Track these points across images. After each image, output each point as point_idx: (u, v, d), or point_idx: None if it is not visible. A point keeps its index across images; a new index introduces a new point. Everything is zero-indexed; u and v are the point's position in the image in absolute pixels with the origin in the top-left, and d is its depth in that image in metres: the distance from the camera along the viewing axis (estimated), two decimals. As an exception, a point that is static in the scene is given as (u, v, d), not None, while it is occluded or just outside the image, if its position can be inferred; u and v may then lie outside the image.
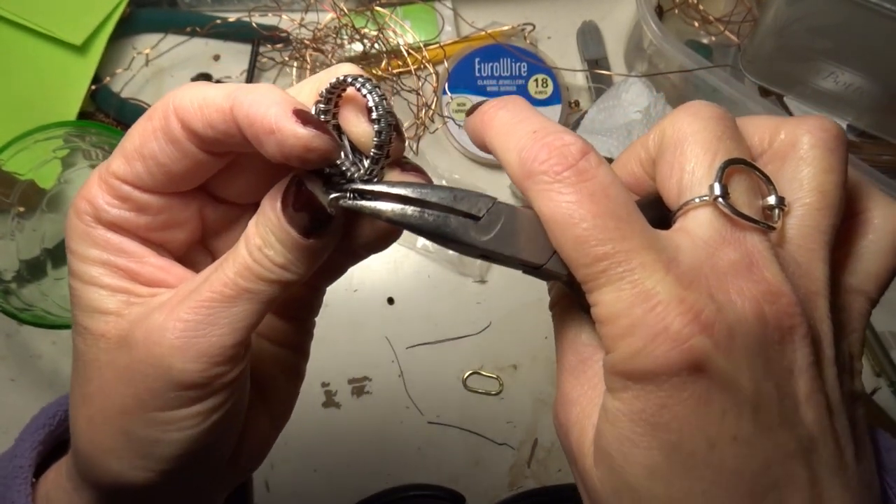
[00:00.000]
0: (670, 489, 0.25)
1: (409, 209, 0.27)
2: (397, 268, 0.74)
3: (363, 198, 0.27)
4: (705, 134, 0.27)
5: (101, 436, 0.29)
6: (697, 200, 0.27)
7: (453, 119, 0.74)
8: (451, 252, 0.72)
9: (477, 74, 0.75)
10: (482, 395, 0.71)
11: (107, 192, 0.28)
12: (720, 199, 0.26)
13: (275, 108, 0.25)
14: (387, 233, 0.30)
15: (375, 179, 0.28)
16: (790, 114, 0.70)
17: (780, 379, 0.26)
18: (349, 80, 0.27)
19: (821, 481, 0.26)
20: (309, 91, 0.29)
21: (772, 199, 0.27)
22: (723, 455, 0.25)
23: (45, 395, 0.69)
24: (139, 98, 0.74)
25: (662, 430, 0.25)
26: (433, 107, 0.75)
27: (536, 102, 0.74)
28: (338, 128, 0.28)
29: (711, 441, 0.25)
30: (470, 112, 0.30)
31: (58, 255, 0.66)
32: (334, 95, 0.28)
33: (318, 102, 0.28)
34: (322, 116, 0.28)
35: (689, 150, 0.27)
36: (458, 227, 0.27)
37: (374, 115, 0.27)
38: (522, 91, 0.75)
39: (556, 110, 0.74)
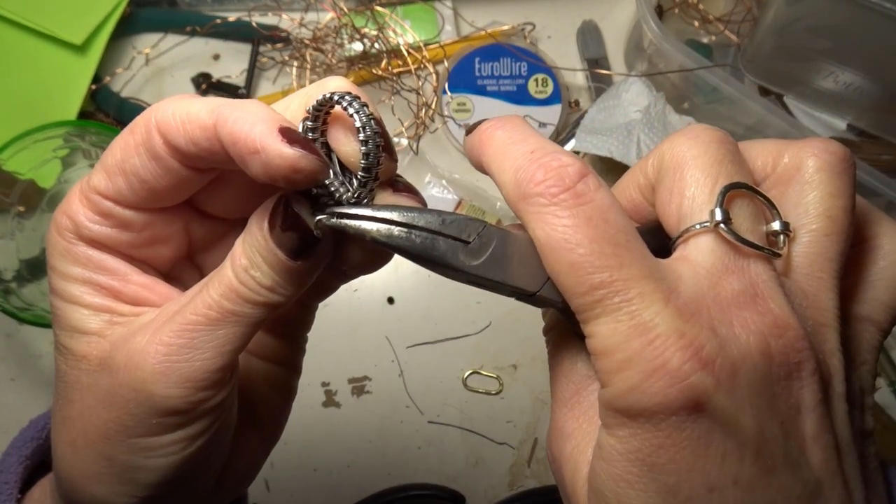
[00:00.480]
0: None
1: (396, 230, 0.26)
2: (397, 268, 0.74)
3: (349, 219, 0.26)
4: (705, 158, 0.26)
5: (83, 460, 0.28)
6: (698, 227, 0.25)
7: (453, 119, 0.74)
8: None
9: (477, 74, 0.75)
10: (482, 395, 0.71)
11: (88, 208, 0.27)
12: (722, 225, 0.25)
13: (259, 125, 0.24)
14: (377, 255, 0.29)
15: (365, 201, 0.27)
16: (790, 114, 0.70)
17: (786, 418, 0.24)
18: (336, 97, 0.26)
19: None
20: (297, 106, 0.27)
21: (776, 225, 0.26)
22: (723, 499, 0.24)
23: (44, 395, 0.69)
24: (139, 98, 0.74)
25: (659, 471, 0.24)
26: (433, 106, 0.75)
27: (536, 102, 0.75)
28: (326, 145, 0.27)
29: (711, 485, 0.24)
30: (469, 131, 0.29)
31: (58, 254, 0.66)
32: (322, 112, 0.27)
33: (305, 119, 0.27)
34: (310, 134, 0.27)
35: (689, 174, 0.26)
36: (447, 250, 0.26)
37: (361, 136, 0.26)
38: (522, 91, 0.75)
39: (556, 110, 0.74)
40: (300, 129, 0.26)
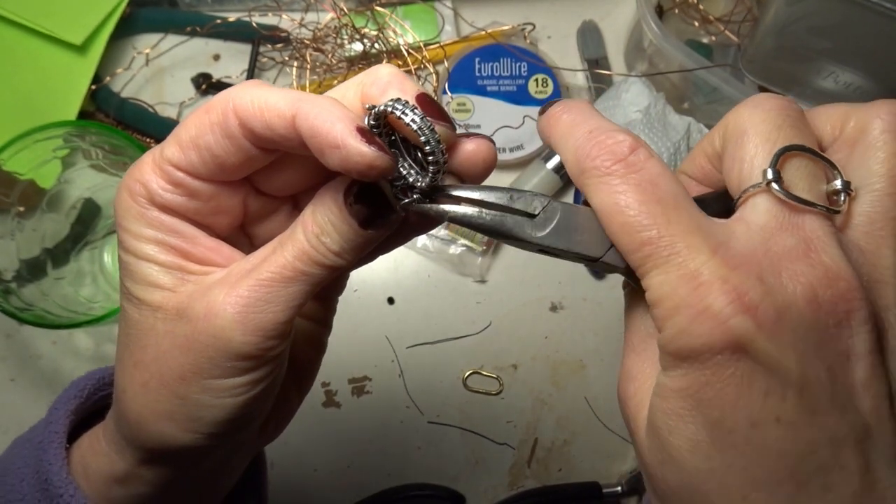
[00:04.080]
0: (711, 463, 0.26)
1: (470, 210, 0.29)
2: (397, 268, 0.74)
3: (428, 201, 0.30)
4: (765, 125, 0.28)
5: (156, 400, 0.31)
6: (753, 188, 0.27)
7: (454, 119, 0.74)
8: (451, 251, 0.72)
9: (477, 74, 0.75)
10: (482, 395, 0.71)
11: (160, 177, 0.30)
12: (773, 185, 0.26)
13: (339, 124, 0.26)
14: (430, 222, 0.32)
15: (438, 181, 0.30)
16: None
17: (834, 363, 0.25)
18: (388, 109, 0.28)
19: (874, 470, 0.26)
20: (353, 96, 0.30)
21: (837, 184, 0.27)
22: (765, 435, 0.25)
23: (45, 395, 0.69)
24: (139, 98, 0.74)
25: (706, 406, 0.25)
26: (433, 107, 0.74)
27: (537, 102, 0.74)
28: (391, 132, 0.30)
29: (753, 420, 0.25)
30: (541, 112, 0.32)
31: (58, 254, 0.66)
32: (381, 119, 0.29)
33: (368, 118, 0.29)
34: (374, 130, 0.29)
35: (749, 141, 0.28)
36: (515, 225, 0.29)
37: (422, 139, 0.28)
38: (522, 91, 0.75)
39: (556, 110, 0.74)
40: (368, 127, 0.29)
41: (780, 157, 0.27)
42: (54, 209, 0.66)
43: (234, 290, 0.29)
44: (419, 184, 0.29)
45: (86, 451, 0.36)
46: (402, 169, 0.30)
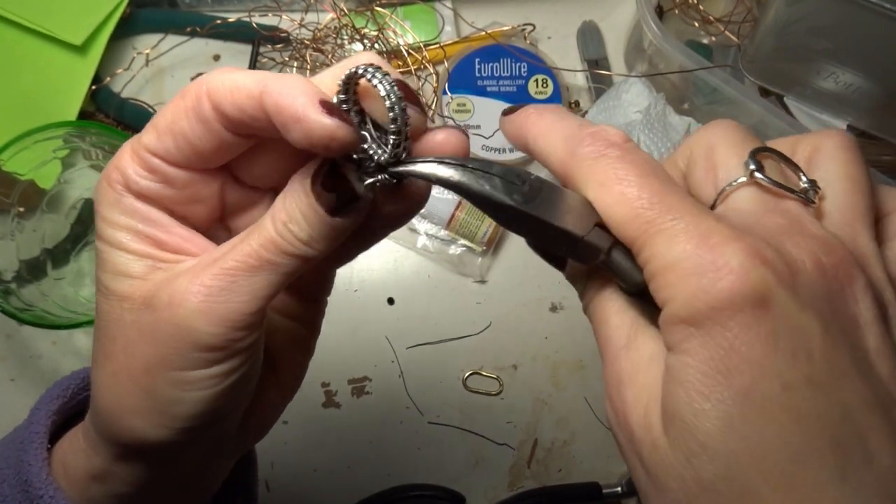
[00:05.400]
0: (748, 442, 0.23)
1: (453, 171, 0.28)
2: (397, 268, 0.74)
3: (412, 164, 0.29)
4: (732, 138, 0.29)
5: (124, 393, 0.30)
6: (734, 183, 0.28)
7: (453, 119, 0.74)
8: (451, 251, 0.72)
9: (477, 75, 0.75)
10: (482, 395, 0.71)
11: (137, 164, 0.30)
12: (757, 173, 0.27)
13: (302, 97, 0.26)
14: (408, 207, 0.32)
15: (403, 157, 0.29)
16: (790, 114, 0.70)
17: (848, 328, 0.25)
18: (360, 71, 0.28)
19: None
20: (330, 81, 0.30)
21: (804, 182, 0.28)
22: (800, 399, 0.23)
23: (45, 395, 0.69)
24: (139, 98, 0.74)
25: (733, 375, 0.23)
26: (433, 107, 0.75)
27: (536, 102, 0.74)
28: (361, 112, 0.30)
29: (785, 383, 0.23)
30: (507, 112, 0.32)
31: (58, 255, 0.66)
32: (350, 85, 0.29)
33: (338, 93, 0.29)
34: (343, 106, 0.29)
35: (720, 151, 0.29)
36: (502, 187, 0.28)
37: (387, 103, 0.28)
38: (522, 91, 0.75)
39: (556, 110, 0.74)
40: (335, 102, 0.29)
41: (754, 156, 0.28)
42: (54, 209, 0.66)
43: (198, 279, 0.29)
44: (382, 158, 0.29)
45: (66, 449, 0.35)
46: (368, 149, 0.29)
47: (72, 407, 0.39)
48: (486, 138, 0.74)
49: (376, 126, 0.30)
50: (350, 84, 0.29)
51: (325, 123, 0.26)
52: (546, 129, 0.30)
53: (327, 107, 0.27)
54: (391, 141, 0.29)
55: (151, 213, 0.30)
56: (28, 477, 0.34)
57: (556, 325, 0.73)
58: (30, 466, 0.34)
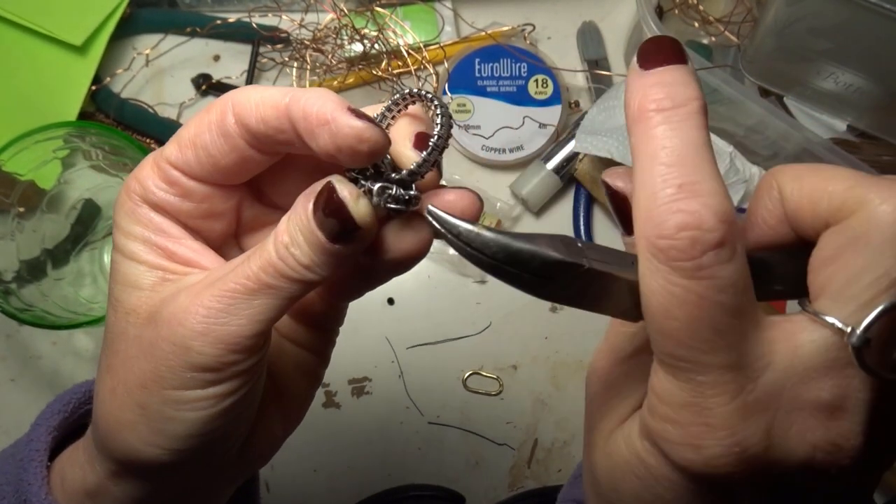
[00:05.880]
0: None
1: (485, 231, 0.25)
2: (397, 268, 0.74)
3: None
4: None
5: (120, 407, 0.30)
6: (833, 320, 0.23)
7: (453, 119, 0.74)
8: (450, 251, 0.72)
9: (477, 75, 0.75)
10: (482, 395, 0.71)
11: (157, 175, 0.30)
12: (852, 346, 0.23)
13: (330, 104, 0.27)
14: (415, 252, 0.30)
15: (412, 194, 0.29)
16: (790, 115, 0.70)
17: None
18: (426, 94, 0.28)
19: None
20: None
21: None
22: None
23: (45, 396, 0.69)
24: (139, 98, 0.74)
25: (655, 489, 0.26)
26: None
27: (536, 103, 0.74)
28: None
29: None
30: (647, 59, 0.26)
31: (58, 255, 0.66)
32: (401, 104, 0.29)
33: (382, 111, 0.29)
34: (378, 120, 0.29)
35: (865, 253, 0.23)
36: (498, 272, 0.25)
37: (438, 119, 0.28)
38: (522, 91, 0.75)
39: (556, 111, 0.74)
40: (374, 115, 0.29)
41: (886, 315, 0.22)
42: (54, 210, 0.66)
43: (199, 299, 0.28)
44: (402, 174, 0.28)
45: (66, 463, 0.35)
46: (382, 170, 0.29)
47: (73, 421, 0.38)
48: (486, 138, 0.74)
49: (392, 168, 0.29)
50: (402, 103, 0.29)
51: (354, 124, 0.26)
52: (645, 153, 0.24)
53: (355, 112, 0.27)
54: (420, 160, 0.28)
55: (164, 223, 0.30)
56: (27, 496, 0.34)
57: (556, 325, 0.73)
58: (29, 486, 0.34)
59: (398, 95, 0.29)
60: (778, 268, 0.25)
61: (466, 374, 0.71)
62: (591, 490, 0.30)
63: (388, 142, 0.27)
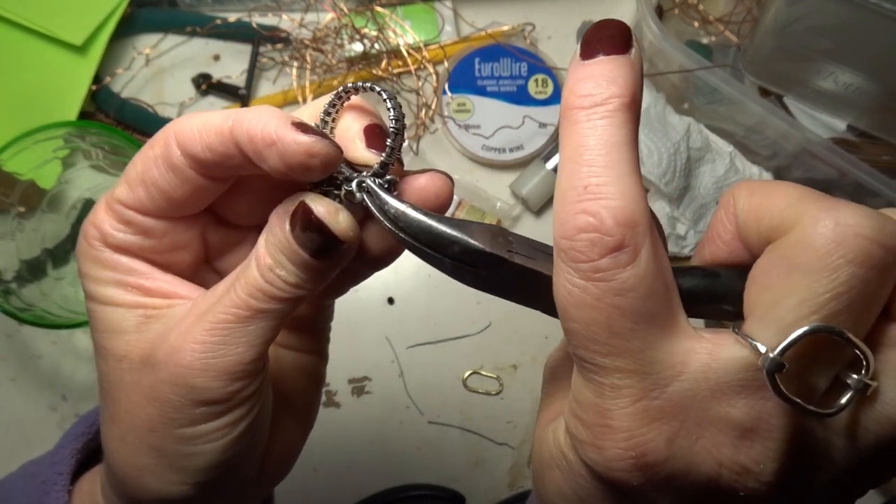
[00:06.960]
0: None
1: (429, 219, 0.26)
2: (397, 268, 0.74)
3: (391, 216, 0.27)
4: (830, 280, 0.21)
5: (134, 454, 0.30)
6: (753, 342, 0.22)
7: (453, 119, 0.74)
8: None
9: (477, 74, 0.75)
10: (482, 395, 0.71)
11: (112, 217, 0.29)
12: (765, 369, 0.22)
13: (273, 121, 0.26)
14: (394, 247, 0.31)
15: (386, 186, 0.28)
16: (790, 114, 0.70)
17: None
18: (368, 84, 0.28)
19: None
20: (308, 116, 0.29)
21: (852, 381, 0.22)
22: None
23: (45, 395, 0.69)
24: (139, 98, 0.74)
25: (573, 484, 0.26)
26: (433, 107, 0.75)
27: (536, 103, 0.75)
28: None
29: None
30: (586, 49, 0.24)
31: (58, 255, 0.66)
32: (341, 102, 0.28)
33: (323, 112, 0.29)
34: (323, 127, 0.29)
35: (794, 281, 0.22)
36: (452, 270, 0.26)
37: (391, 115, 0.28)
38: (522, 91, 0.75)
39: (556, 110, 0.74)
40: (319, 121, 0.28)
41: (804, 339, 0.22)
42: (54, 209, 0.66)
43: (191, 335, 0.27)
44: (374, 168, 0.27)
45: (86, 499, 0.35)
46: (346, 174, 0.28)
47: (98, 444, 0.38)
48: (486, 138, 0.74)
49: (350, 166, 0.28)
50: (342, 99, 0.28)
51: (301, 140, 0.25)
52: (568, 151, 0.24)
53: (301, 126, 0.26)
54: (385, 154, 0.28)
55: (132, 262, 0.29)
56: None
57: (556, 325, 0.72)
58: None
59: (334, 94, 0.28)
60: (728, 286, 0.25)
61: (466, 374, 0.71)
62: (533, 482, 0.30)
63: (339, 150, 0.26)
